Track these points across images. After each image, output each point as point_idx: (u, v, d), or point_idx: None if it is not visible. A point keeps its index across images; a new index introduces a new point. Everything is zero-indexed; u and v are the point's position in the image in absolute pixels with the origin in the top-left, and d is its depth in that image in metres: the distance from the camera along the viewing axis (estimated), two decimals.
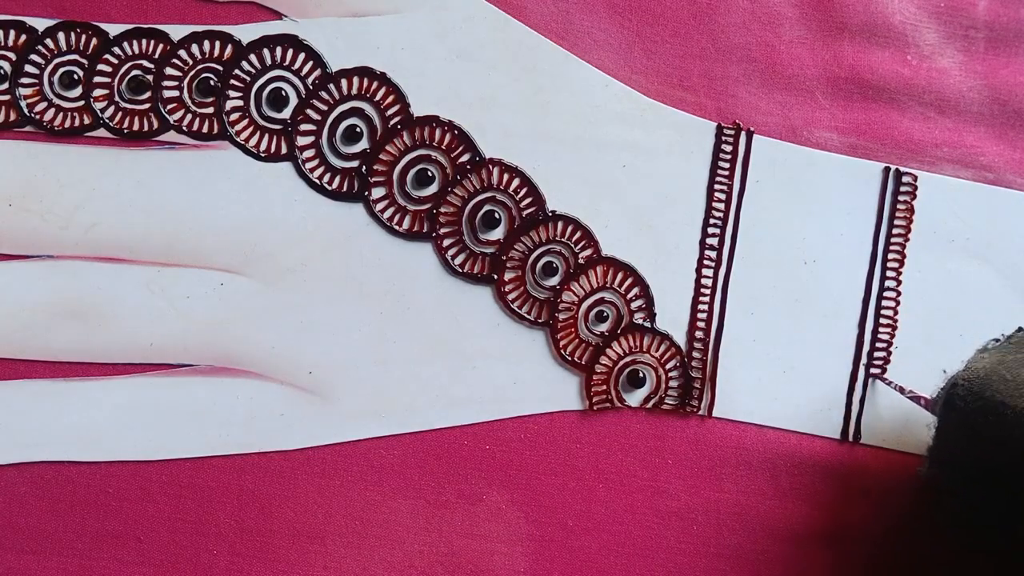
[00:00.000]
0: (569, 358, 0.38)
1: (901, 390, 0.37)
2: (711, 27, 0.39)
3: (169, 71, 0.38)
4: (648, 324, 0.38)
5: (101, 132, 0.38)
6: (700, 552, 0.38)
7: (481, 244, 0.38)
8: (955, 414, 0.32)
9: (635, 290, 0.38)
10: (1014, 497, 0.31)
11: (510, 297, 0.38)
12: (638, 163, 0.38)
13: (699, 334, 0.38)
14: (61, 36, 0.38)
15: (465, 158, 0.38)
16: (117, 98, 0.38)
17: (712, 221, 0.38)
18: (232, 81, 0.38)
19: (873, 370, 0.38)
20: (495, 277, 0.38)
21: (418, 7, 0.38)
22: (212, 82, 0.38)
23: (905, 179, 0.39)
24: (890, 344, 0.38)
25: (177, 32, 0.38)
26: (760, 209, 0.38)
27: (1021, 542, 0.32)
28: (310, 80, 0.38)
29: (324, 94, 0.38)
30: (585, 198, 0.38)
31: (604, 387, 0.38)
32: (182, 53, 0.38)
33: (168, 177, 0.38)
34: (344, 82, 0.38)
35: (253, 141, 0.38)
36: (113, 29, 0.38)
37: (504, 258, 0.38)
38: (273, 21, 0.38)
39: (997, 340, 0.35)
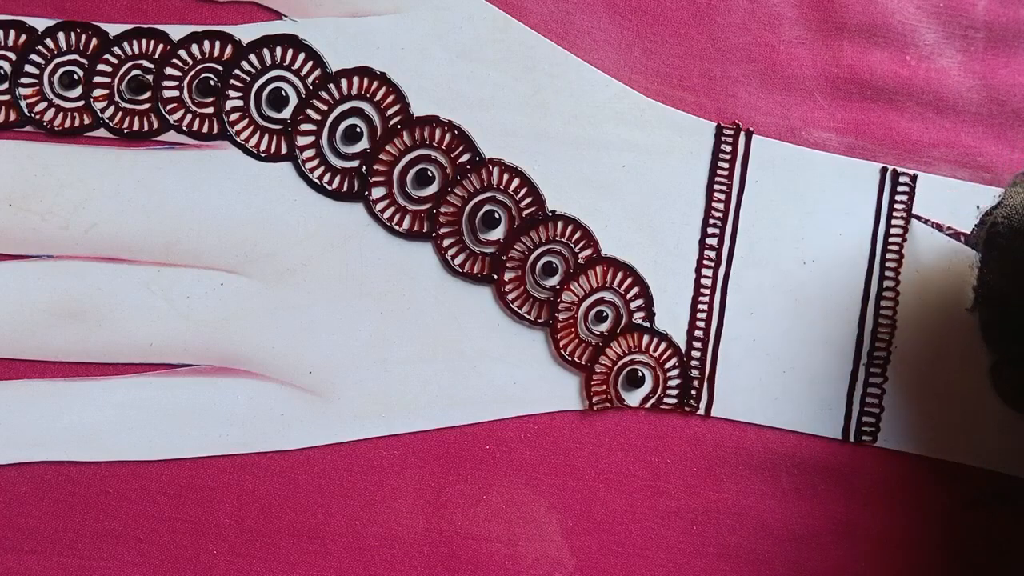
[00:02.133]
0: (569, 358, 0.38)
1: (939, 227, 0.36)
2: (711, 27, 0.39)
3: (169, 71, 0.38)
4: (647, 324, 0.38)
5: (101, 132, 0.38)
6: (700, 552, 0.38)
7: (481, 244, 0.38)
8: (998, 252, 0.32)
9: (635, 290, 0.38)
10: None
11: (510, 297, 0.38)
12: (638, 163, 0.38)
13: (698, 334, 0.38)
14: (61, 36, 0.38)
15: (465, 158, 0.38)
16: (117, 98, 0.38)
17: (712, 221, 0.38)
18: (232, 81, 0.38)
19: (875, 390, 0.38)
20: (495, 277, 0.38)
21: (418, 7, 0.38)
22: (212, 82, 0.38)
23: (903, 179, 0.39)
24: (890, 344, 0.38)
25: (177, 32, 0.38)
26: (759, 209, 0.39)
27: None
28: (310, 80, 0.38)
29: (324, 94, 0.38)
30: (585, 198, 0.38)
31: (604, 387, 0.38)
32: (182, 53, 0.38)
33: (168, 177, 0.38)
34: (344, 82, 0.38)
35: (253, 141, 0.38)
36: (113, 29, 0.38)
37: (504, 258, 0.38)
38: (273, 21, 0.38)
39: (1018, 178, 0.35)
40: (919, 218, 0.37)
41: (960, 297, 0.35)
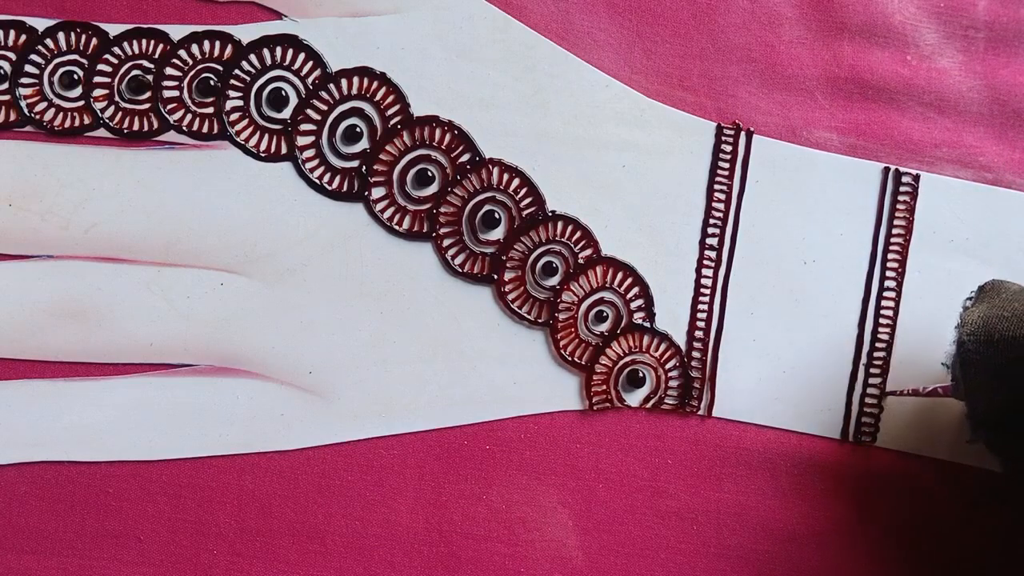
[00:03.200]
0: (569, 358, 0.38)
1: (916, 392, 0.37)
2: (711, 27, 0.39)
3: (169, 71, 0.38)
4: (648, 324, 0.38)
5: (101, 132, 0.38)
6: (700, 552, 0.38)
7: (481, 244, 0.38)
8: (974, 369, 0.33)
9: (635, 290, 0.38)
10: None
11: (510, 297, 0.38)
12: (638, 163, 0.38)
13: (699, 334, 0.38)
14: (61, 36, 0.38)
15: (465, 158, 0.38)
16: (117, 98, 0.38)
17: (712, 221, 0.38)
18: (232, 81, 0.38)
19: (875, 390, 0.38)
20: (495, 277, 0.38)
21: (418, 7, 0.38)
22: (212, 82, 0.38)
23: (905, 179, 0.39)
24: (890, 344, 0.38)
25: (177, 32, 0.38)
26: (760, 209, 0.38)
27: None
28: (310, 80, 0.38)
29: (324, 94, 0.38)
30: (585, 198, 0.38)
31: (604, 387, 0.38)
32: (182, 53, 0.38)
33: (168, 177, 0.38)
34: (344, 82, 0.38)
35: (253, 141, 0.38)
36: (113, 29, 0.38)
37: (504, 258, 0.38)
38: (273, 21, 0.38)
39: (971, 297, 0.35)
40: (894, 393, 0.38)
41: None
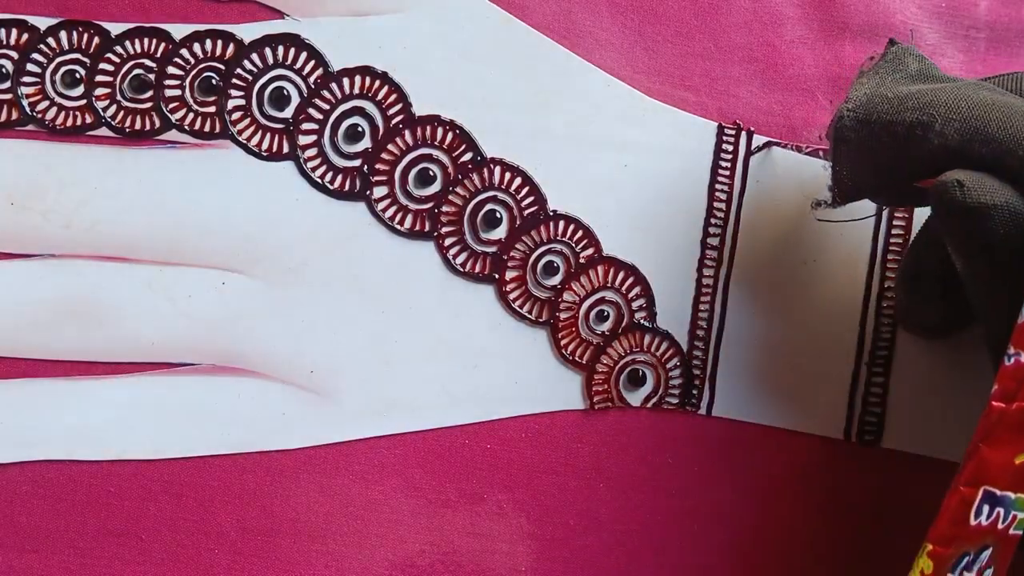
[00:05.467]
0: (570, 357, 0.38)
1: (798, 148, 0.36)
2: (712, 27, 0.39)
3: (171, 70, 0.38)
4: (649, 323, 0.38)
5: (103, 131, 0.38)
6: (700, 552, 0.38)
7: (483, 243, 0.38)
8: (847, 146, 0.32)
9: (636, 289, 0.38)
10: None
11: (511, 296, 0.38)
12: (639, 163, 0.38)
13: (700, 333, 0.38)
14: (63, 35, 0.38)
15: (467, 158, 0.38)
16: (119, 97, 0.38)
17: (713, 220, 0.38)
18: (234, 80, 0.38)
19: (878, 388, 0.38)
20: (496, 276, 0.38)
21: (420, 6, 0.38)
22: (214, 81, 0.38)
23: None
24: (891, 344, 0.38)
25: (179, 31, 0.38)
26: (760, 209, 0.39)
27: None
28: (312, 79, 0.38)
29: (326, 93, 0.38)
30: (587, 198, 0.38)
31: (605, 386, 0.38)
32: (184, 52, 0.38)
33: (170, 176, 0.38)
34: (346, 81, 0.38)
35: (255, 140, 0.38)
36: (115, 28, 0.38)
37: (505, 257, 0.38)
38: (275, 20, 0.38)
39: (872, 57, 0.35)
40: (772, 143, 0.38)
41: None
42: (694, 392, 0.38)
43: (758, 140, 0.38)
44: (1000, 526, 0.27)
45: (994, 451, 0.27)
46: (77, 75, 0.38)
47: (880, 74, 0.33)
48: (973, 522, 0.27)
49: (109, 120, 0.38)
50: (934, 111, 0.30)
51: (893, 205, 0.37)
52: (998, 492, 0.27)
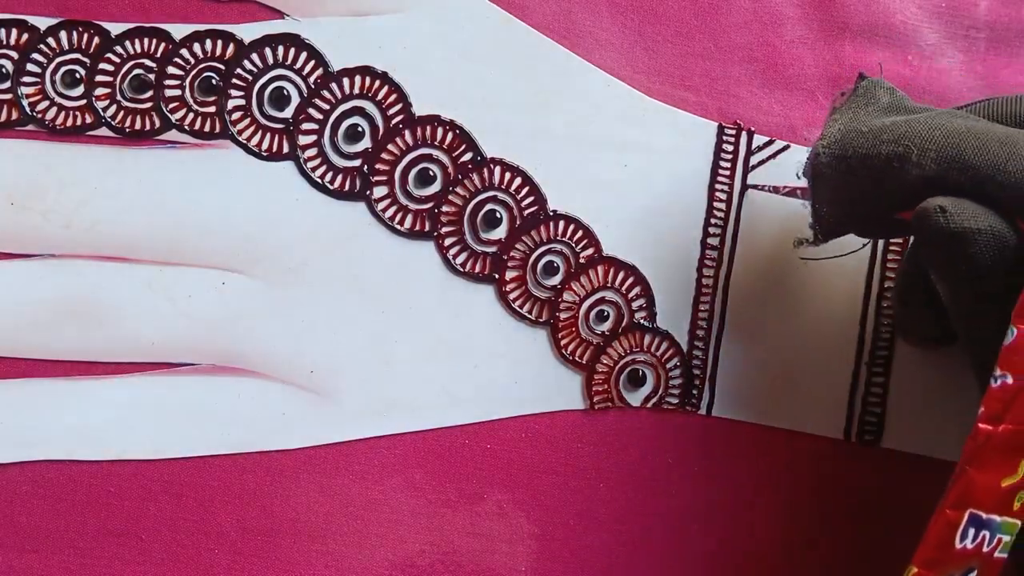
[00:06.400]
0: (570, 357, 0.38)
1: (776, 189, 0.37)
2: (713, 27, 0.39)
3: (171, 70, 0.38)
4: (649, 323, 0.38)
5: (103, 131, 0.38)
6: (700, 552, 0.38)
7: (483, 243, 0.38)
8: (824, 182, 0.32)
9: (636, 289, 0.38)
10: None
11: (511, 296, 0.38)
12: (639, 163, 0.38)
13: (700, 333, 0.38)
14: (63, 35, 0.38)
15: (467, 158, 0.38)
16: (119, 97, 0.38)
17: (713, 220, 0.38)
18: (234, 80, 0.38)
19: (878, 389, 0.38)
20: (496, 276, 0.38)
21: (420, 6, 0.38)
22: (214, 81, 0.38)
23: None
24: (891, 344, 0.38)
25: (179, 31, 0.38)
26: (760, 209, 0.39)
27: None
28: (312, 79, 0.38)
29: (326, 93, 0.38)
30: (587, 198, 0.38)
31: (605, 386, 0.38)
32: (184, 52, 0.38)
33: (170, 176, 0.38)
34: (346, 81, 0.38)
35: (255, 140, 0.38)
36: (115, 28, 0.38)
37: (505, 257, 0.38)
38: (275, 20, 0.38)
39: (843, 93, 0.35)
40: (755, 187, 0.38)
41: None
42: (694, 392, 0.38)
43: (758, 139, 0.39)
44: (985, 549, 0.27)
45: (981, 474, 0.27)
46: (77, 75, 0.38)
47: (853, 109, 0.33)
48: (959, 545, 0.27)
49: (109, 120, 0.38)
50: (909, 142, 0.30)
51: (876, 238, 0.37)
52: (984, 515, 0.27)
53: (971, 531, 0.27)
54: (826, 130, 0.33)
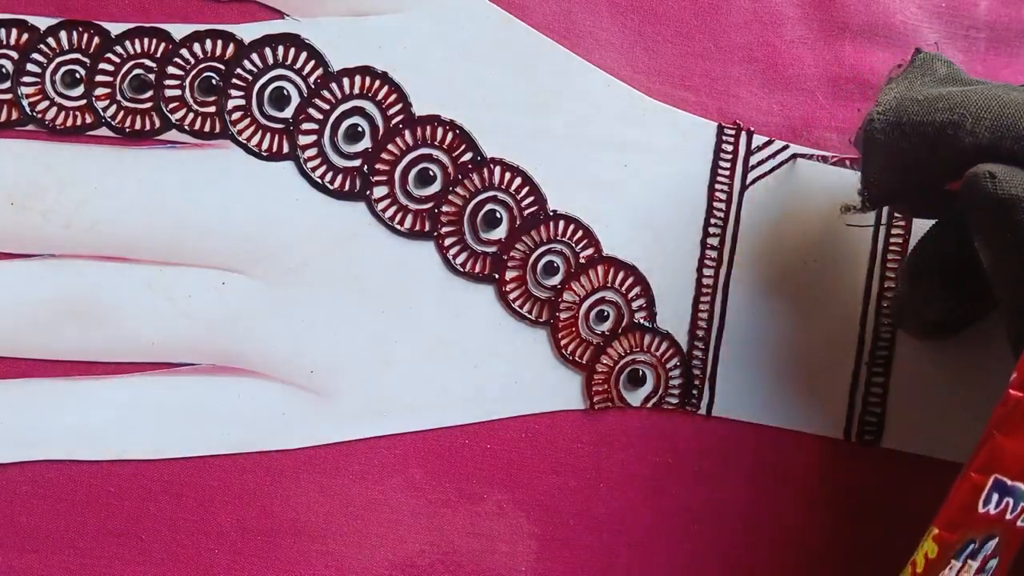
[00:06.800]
0: (570, 357, 0.38)
1: (824, 159, 0.36)
2: (712, 27, 0.39)
3: (171, 70, 0.38)
4: (649, 323, 0.38)
5: (103, 131, 0.38)
6: (700, 552, 0.38)
7: (483, 243, 0.38)
8: (876, 148, 0.32)
9: (636, 289, 0.38)
10: (952, 212, 0.31)
11: (511, 296, 0.38)
12: (639, 163, 0.38)
13: (700, 333, 0.38)
14: (63, 35, 0.38)
15: (467, 158, 0.38)
16: (119, 97, 0.38)
17: (713, 220, 0.38)
18: (234, 80, 0.38)
19: (878, 388, 0.38)
20: (496, 276, 0.38)
21: (420, 6, 0.38)
22: (214, 81, 0.38)
23: None
24: (891, 344, 0.38)
25: (179, 31, 0.38)
26: (760, 209, 0.39)
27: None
28: (312, 79, 0.38)
29: (326, 93, 0.38)
30: (586, 198, 0.38)
31: (605, 386, 0.38)
32: (184, 52, 0.38)
33: (170, 176, 0.38)
34: (346, 81, 0.38)
35: (255, 140, 0.38)
36: (115, 28, 0.38)
37: (505, 257, 0.38)
38: (275, 20, 0.38)
39: (900, 65, 0.35)
40: (801, 155, 0.38)
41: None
42: (694, 392, 0.38)
43: (757, 139, 0.39)
44: (1008, 516, 0.27)
45: (1008, 439, 0.27)
46: (77, 75, 0.38)
47: (909, 79, 0.33)
48: (981, 509, 0.27)
49: (109, 120, 0.38)
50: (965, 111, 0.30)
51: (919, 215, 0.37)
52: (1009, 482, 0.27)
53: (995, 496, 0.27)
54: (881, 97, 0.33)
